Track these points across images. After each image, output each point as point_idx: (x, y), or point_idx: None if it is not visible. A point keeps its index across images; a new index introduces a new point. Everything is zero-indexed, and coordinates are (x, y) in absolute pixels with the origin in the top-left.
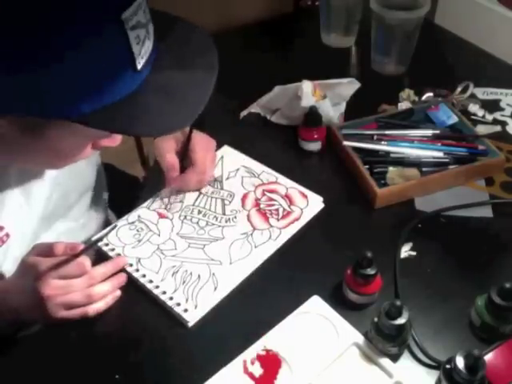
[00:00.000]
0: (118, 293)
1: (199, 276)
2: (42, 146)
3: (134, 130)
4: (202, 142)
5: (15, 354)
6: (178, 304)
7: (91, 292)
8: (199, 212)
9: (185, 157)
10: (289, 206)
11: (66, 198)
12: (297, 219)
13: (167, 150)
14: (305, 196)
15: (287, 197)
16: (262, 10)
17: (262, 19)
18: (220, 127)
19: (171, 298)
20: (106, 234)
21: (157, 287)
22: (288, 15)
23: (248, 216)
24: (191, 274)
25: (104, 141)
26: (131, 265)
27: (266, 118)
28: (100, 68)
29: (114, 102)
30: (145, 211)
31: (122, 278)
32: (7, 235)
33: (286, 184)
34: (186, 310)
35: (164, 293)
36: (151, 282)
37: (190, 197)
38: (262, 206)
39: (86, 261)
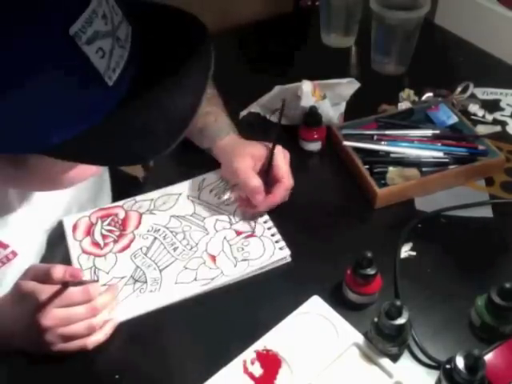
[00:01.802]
0: (117, 321)
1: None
2: (31, 176)
3: (108, 160)
4: (281, 154)
5: (14, 354)
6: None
7: (94, 323)
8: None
9: (267, 174)
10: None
11: (69, 210)
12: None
13: (245, 171)
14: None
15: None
16: (261, 10)
17: (262, 19)
18: None
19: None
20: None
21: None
22: (288, 15)
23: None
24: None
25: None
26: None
27: (265, 117)
28: (59, 95)
29: (92, 127)
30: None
31: (114, 304)
32: (13, 253)
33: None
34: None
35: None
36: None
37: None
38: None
39: (92, 288)
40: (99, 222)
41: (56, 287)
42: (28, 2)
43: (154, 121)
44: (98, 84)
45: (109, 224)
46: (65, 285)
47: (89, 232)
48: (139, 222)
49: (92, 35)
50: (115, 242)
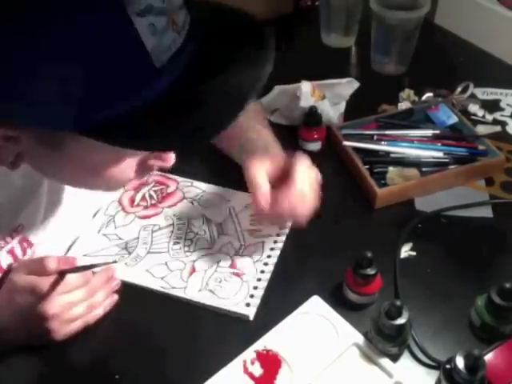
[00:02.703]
0: (115, 297)
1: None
2: (67, 161)
3: (151, 144)
4: (304, 172)
5: (14, 354)
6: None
7: (92, 303)
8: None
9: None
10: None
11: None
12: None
13: (255, 170)
14: None
15: None
16: (261, 11)
17: (262, 19)
18: None
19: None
20: (102, 265)
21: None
22: (288, 15)
23: None
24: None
25: (152, 160)
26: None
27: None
28: (102, 70)
29: (133, 111)
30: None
31: (114, 283)
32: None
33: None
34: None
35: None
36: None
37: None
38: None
39: (88, 273)
40: (152, 184)
41: (53, 277)
42: None
43: (195, 111)
44: (147, 64)
45: (155, 191)
46: (61, 273)
47: (137, 187)
48: (176, 204)
49: (145, 7)
50: (145, 208)
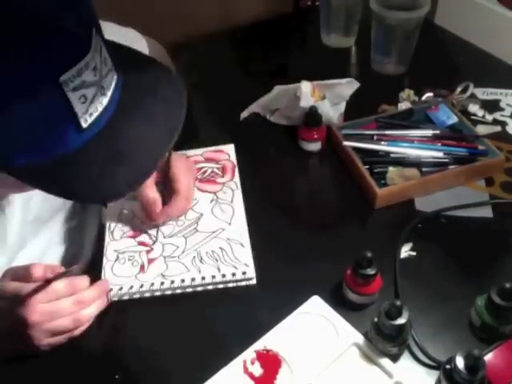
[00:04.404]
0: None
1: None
2: None
3: (68, 192)
4: (181, 166)
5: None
6: (233, 274)
7: (80, 316)
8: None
9: (166, 186)
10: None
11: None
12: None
13: (146, 183)
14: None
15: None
16: (261, 10)
17: (262, 19)
18: (220, 127)
19: (213, 277)
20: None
21: (183, 281)
22: (288, 15)
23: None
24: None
25: None
26: (111, 290)
27: (265, 117)
28: (35, 125)
29: (56, 159)
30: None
31: (105, 300)
32: None
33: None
34: (244, 273)
35: (203, 278)
36: (183, 281)
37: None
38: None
39: (76, 280)
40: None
41: (37, 284)
42: (37, 45)
43: (114, 168)
44: (75, 125)
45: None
46: (47, 281)
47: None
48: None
49: (79, 84)
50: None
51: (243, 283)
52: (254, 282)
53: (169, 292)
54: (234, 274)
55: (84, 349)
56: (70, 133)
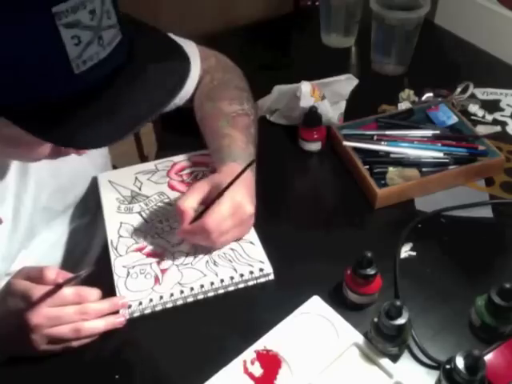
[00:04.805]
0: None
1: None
2: None
3: (50, 136)
4: (242, 193)
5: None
6: (251, 272)
7: (81, 327)
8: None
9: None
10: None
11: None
12: None
13: (190, 190)
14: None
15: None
16: (261, 10)
17: (262, 19)
18: None
19: (232, 278)
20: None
21: (202, 286)
22: (288, 15)
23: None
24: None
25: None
26: (130, 306)
27: (265, 117)
28: (23, 54)
29: (44, 102)
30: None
31: (119, 320)
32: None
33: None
34: (261, 270)
35: (222, 281)
36: (202, 286)
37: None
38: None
39: (85, 291)
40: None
41: (47, 287)
42: None
43: (102, 120)
44: (64, 67)
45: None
46: (58, 286)
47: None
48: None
49: (73, 22)
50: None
51: (262, 280)
52: (271, 277)
53: (191, 299)
54: (251, 272)
55: (84, 349)
56: (60, 74)
